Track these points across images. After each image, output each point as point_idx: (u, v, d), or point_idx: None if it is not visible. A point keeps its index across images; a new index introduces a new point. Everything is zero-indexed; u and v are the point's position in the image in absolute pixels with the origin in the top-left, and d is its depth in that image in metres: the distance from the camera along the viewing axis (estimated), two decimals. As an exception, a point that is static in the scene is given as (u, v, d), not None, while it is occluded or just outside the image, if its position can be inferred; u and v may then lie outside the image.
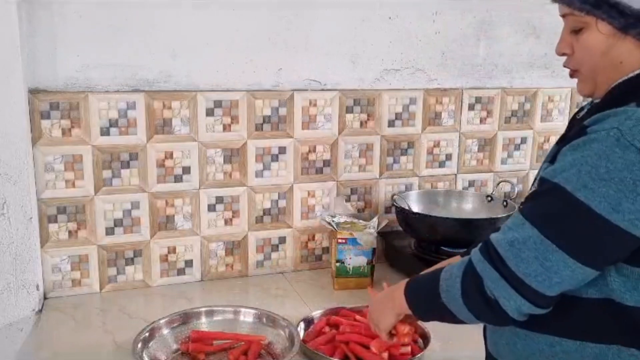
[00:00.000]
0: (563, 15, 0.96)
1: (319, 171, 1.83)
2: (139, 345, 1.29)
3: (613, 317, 0.89)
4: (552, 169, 0.89)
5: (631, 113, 0.84)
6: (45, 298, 1.60)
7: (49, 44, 1.51)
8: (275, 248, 1.83)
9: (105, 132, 1.59)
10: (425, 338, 1.37)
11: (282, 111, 1.75)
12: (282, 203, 1.80)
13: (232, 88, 1.69)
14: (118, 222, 1.65)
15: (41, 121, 1.53)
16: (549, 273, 0.86)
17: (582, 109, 1.04)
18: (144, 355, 1.28)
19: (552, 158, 0.93)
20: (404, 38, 1.84)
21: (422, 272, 1.13)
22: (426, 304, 1.05)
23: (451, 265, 1.00)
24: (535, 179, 1.00)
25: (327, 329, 1.41)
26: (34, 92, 1.51)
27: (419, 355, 1.31)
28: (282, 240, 1.83)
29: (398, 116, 1.89)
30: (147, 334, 1.33)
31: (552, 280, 0.86)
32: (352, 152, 1.85)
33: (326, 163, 1.83)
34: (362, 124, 1.85)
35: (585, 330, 0.91)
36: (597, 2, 0.89)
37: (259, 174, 1.76)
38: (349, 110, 1.82)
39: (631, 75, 0.91)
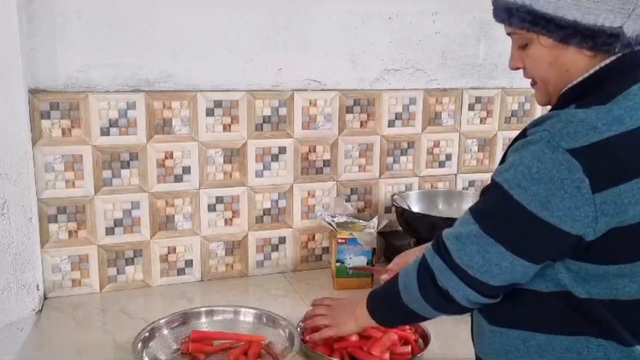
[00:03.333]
0: (509, 34, 1.01)
1: (319, 171, 1.83)
2: (139, 345, 1.29)
3: (573, 310, 0.92)
4: (497, 169, 0.96)
5: (562, 115, 0.88)
6: (45, 298, 1.60)
7: (49, 44, 1.51)
8: (275, 248, 1.83)
9: (105, 132, 1.59)
10: (425, 338, 1.37)
11: (282, 111, 1.75)
12: (282, 203, 1.81)
13: (232, 88, 1.69)
14: (118, 222, 1.65)
15: (41, 121, 1.53)
16: (489, 265, 0.92)
17: None
18: (144, 355, 1.28)
19: (503, 158, 0.98)
20: (404, 38, 1.84)
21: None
22: (389, 308, 1.14)
23: (406, 265, 1.09)
24: None
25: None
26: (34, 92, 1.51)
27: (419, 355, 1.32)
28: (282, 240, 1.83)
29: (398, 116, 1.89)
30: (147, 334, 1.33)
31: (493, 271, 0.93)
32: (352, 152, 1.85)
33: (326, 163, 1.83)
34: (362, 124, 1.85)
35: (552, 323, 0.94)
36: (533, 19, 0.93)
37: (259, 174, 1.76)
38: (349, 110, 1.82)
39: (575, 82, 0.95)
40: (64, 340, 1.41)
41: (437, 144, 1.96)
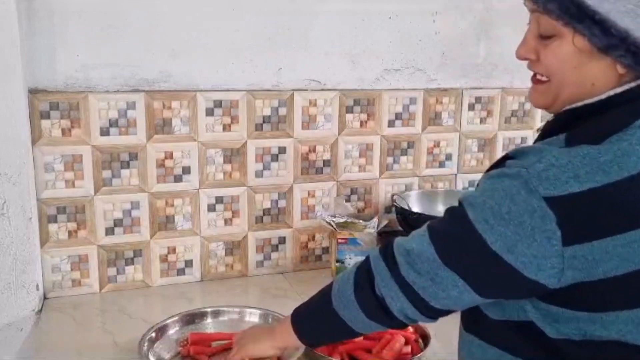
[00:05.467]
0: (531, 11, 0.87)
1: (319, 171, 1.83)
2: (145, 345, 1.28)
3: (538, 340, 0.86)
4: (467, 193, 0.89)
5: (546, 153, 0.79)
6: (45, 298, 1.60)
7: (49, 43, 1.51)
8: (275, 248, 1.83)
9: (105, 132, 1.59)
10: (425, 338, 1.37)
11: (282, 111, 1.75)
12: (282, 203, 1.80)
13: (232, 88, 1.69)
14: (118, 222, 1.65)
15: (41, 121, 1.53)
16: (436, 288, 0.87)
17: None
18: (150, 355, 1.27)
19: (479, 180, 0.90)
20: (404, 38, 1.84)
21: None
22: (316, 318, 1.05)
23: (345, 270, 1.03)
24: None
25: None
26: (34, 92, 1.51)
27: (418, 355, 1.31)
28: (282, 240, 1.83)
29: (398, 116, 1.89)
30: (153, 334, 1.33)
31: (439, 295, 0.87)
32: (352, 152, 1.85)
33: (326, 163, 1.83)
34: (362, 124, 1.85)
35: (520, 348, 0.89)
36: (579, 14, 0.79)
37: (259, 174, 1.76)
38: (349, 110, 1.82)
39: (595, 99, 0.83)
40: (64, 340, 1.41)
41: (437, 144, 1.96)
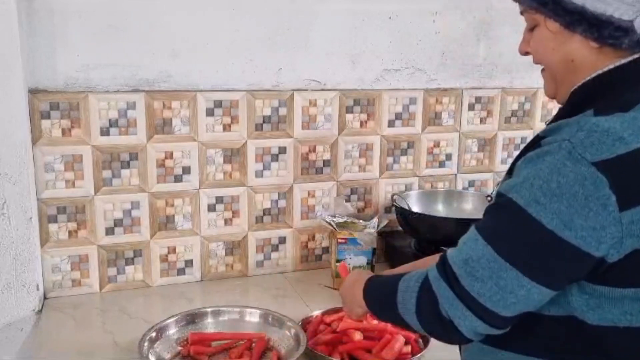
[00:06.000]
0: (521, 13, 0.96)
1: (319, 171, 1.83)
2: (145, 345, 1.28)
3: (575, 335, 0.85)
4: (506, 183, 0.86)
5: (583, 123, 0.81)
6: (45, 298, 1.60)
7: (49, 43, 1.51)
8: (275, 248, 1.83)
9: (105, 132, 1.59)
10: (426, 338, 1.37)
11: (282, 111, 1.75)
12: (282, 203, 1.80)
13: (232, 88, 1.69)
14: (118, 222, 1.65)
15: (41, 121, 1.53)
16: (503, 293, 0.83)
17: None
18: (150, 355, 1.27)
19: (510, 171, 0.89)
20: (404, 38, 1.84)
21: (385, 272, 1.11)
22: (384, 311, 1.04)
23: (410, 275, 0.96)
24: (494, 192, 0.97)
25: (322, 327, 1.41)
26: (34, 92, 1.51)
27: (419, 355, 1.31)
28: (282, 240, 1.83)
29: (398, 116, 1.89)
30: (153, 334, 1.33)
31: (508, 300, 0.83)
32: (352, 152, 1.85)
33: (326, 163, 1.83)
34: (362, 124, 1.85)
35: (547, 347, 0.88)
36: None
37: (259, 174, 1.76)
38: (349, 110, 1.82)
39: (588, 78, 0.89)
40: (64, 340, 1.41)
41: (437, 144, 1.96)
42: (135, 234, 1.67)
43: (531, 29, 0.94)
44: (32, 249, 1.50)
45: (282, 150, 1.77)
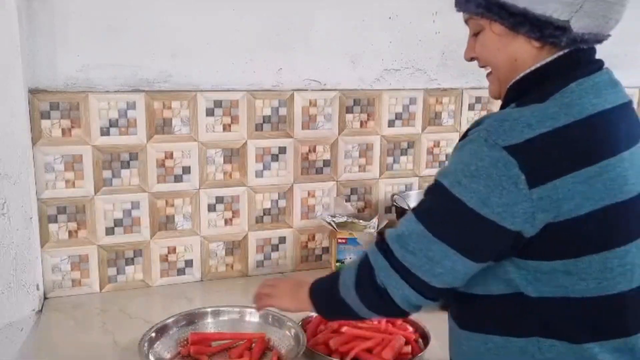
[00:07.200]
0: (466, 22, 1.04)
1: (319, 171, 1.83)
2: (145, 345, 1.28)
3: (525, 311, 0.92)
4: (439, 169, 0.98)
5: (498, 115, 0.91)
6: (45, 298, 1.60)
7: (49, 44, 1.51)
8: (275, 248, 1.83)
9: (105, 132, 1.59)
10: (425, 338, 1.37)
11: (282, 111, 1.75)
12: (282, 203, 1.81)
13: (232, 88, 1.69)
14: (118, 222, 1.65)
15: (41, 121, 1.53)
16: (432, 263, 0.92)
17: None
18: (150, 355, 1.27)
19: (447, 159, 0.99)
20: (404, 38, 1.84)
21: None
22: (327, 301, 1.12)
23: (351, 260, 1.07)
24: None
25: (322, 327, 1.41)
26: (34, 92, 1.51)
27: (419, 355, 1.32)
28: (282, 240, 1.83)
29: (398, 116, 1.89)
30: (153, 334, 1.33)
31: (435, 270, 0.92)
32: (352, 152, 1.85)
33: (326, 163, 1.83)
34: (362, 124, 1.85)
35: (506, 325, 0.95)
36: (487, 4, 0.95)
37: (259, 174, 1.76)
38: (349, 110, 1.82)
39: (522, 74, 0.96)
40: (64, 340, 1.41)
41: (437, 144, 1.96)
42: (135, 234, 1.67)
43: (475, 34, 1.02)
44: (32, 249, 1.50)
45: (282, 150, 1.77)
